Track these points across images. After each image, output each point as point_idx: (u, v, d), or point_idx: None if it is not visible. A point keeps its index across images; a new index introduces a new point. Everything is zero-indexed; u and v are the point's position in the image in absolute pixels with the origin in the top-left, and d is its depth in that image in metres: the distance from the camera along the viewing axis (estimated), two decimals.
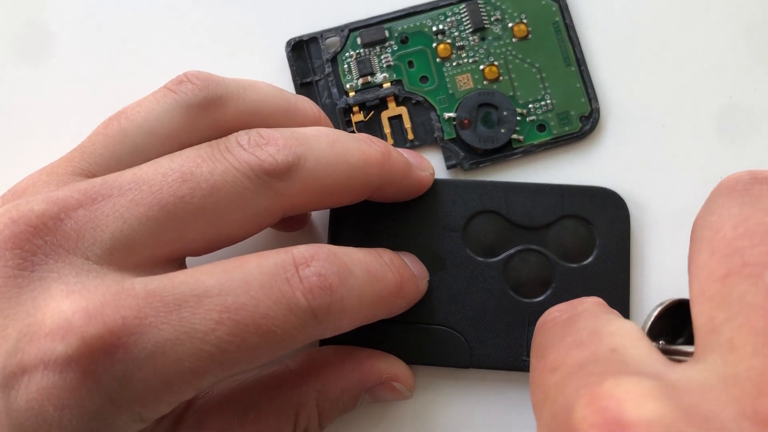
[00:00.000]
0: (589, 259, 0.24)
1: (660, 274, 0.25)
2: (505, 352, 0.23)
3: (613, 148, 0.26)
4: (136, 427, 0.17)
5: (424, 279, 0.24)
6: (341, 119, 0.26)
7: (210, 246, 0.19)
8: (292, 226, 0.25)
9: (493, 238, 0.24)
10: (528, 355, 0.23)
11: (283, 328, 0.17)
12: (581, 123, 0.26)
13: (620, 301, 0.24)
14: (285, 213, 0.20)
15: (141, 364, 0.16)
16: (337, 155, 0.20)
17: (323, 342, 0.24)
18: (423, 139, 0.26)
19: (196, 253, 0.19)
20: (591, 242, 0.24)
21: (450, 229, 0.24)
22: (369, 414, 0.25)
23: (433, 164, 0.25)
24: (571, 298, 0.23)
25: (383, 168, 0.21)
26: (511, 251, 0.24)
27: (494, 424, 0.24)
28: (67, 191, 0.18)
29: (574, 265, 0.24)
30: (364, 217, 0.24)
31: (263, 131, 0.20)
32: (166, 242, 0.18)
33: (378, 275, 0.20)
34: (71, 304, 0.16)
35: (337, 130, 0.22)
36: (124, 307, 0.16)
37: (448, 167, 0.26)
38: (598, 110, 0.26)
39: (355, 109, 0.26)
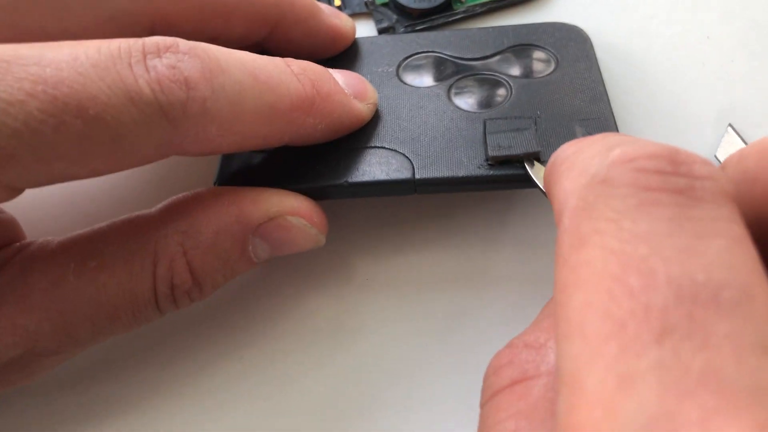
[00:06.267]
0: (550, 72, 0.21)
1: None
2: (459, 164, 0.19)
3: (567, 9, 0.24)
4: None
5: (367, 102, 0.20)
6: None
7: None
8: None
9: (433, 72, 0.21)
10: (489, 160, 0.19)
11: (118, 118, 0.14)
12: None
13: (602, 116, 0.19)
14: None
15: None
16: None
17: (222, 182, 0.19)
18: (352, 7, 0.24)
19: None
20: (548, 60, 0.21)
21: (384, 72, 0.21)
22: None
23: (364, 31, 0.23)
24: (534, 107, 0.19)
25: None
26: (456, 77, 0.21)
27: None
28: None
29: (534, 77, 0.21)
30: None
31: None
32: None
33: (270, 82, 0.17)
34: None
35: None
36: None
37: (380, 31, 0.24)
38: None
39: None
